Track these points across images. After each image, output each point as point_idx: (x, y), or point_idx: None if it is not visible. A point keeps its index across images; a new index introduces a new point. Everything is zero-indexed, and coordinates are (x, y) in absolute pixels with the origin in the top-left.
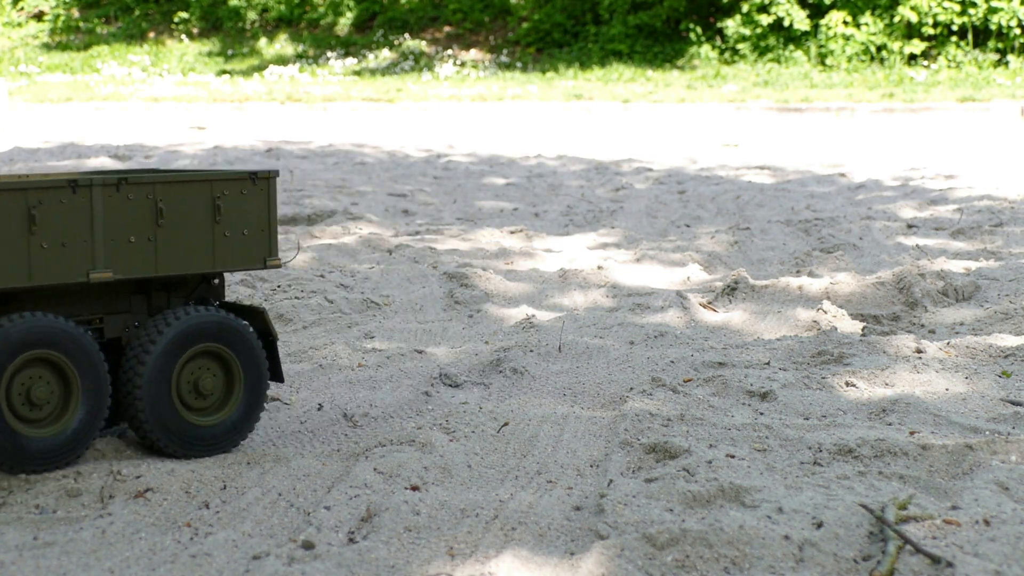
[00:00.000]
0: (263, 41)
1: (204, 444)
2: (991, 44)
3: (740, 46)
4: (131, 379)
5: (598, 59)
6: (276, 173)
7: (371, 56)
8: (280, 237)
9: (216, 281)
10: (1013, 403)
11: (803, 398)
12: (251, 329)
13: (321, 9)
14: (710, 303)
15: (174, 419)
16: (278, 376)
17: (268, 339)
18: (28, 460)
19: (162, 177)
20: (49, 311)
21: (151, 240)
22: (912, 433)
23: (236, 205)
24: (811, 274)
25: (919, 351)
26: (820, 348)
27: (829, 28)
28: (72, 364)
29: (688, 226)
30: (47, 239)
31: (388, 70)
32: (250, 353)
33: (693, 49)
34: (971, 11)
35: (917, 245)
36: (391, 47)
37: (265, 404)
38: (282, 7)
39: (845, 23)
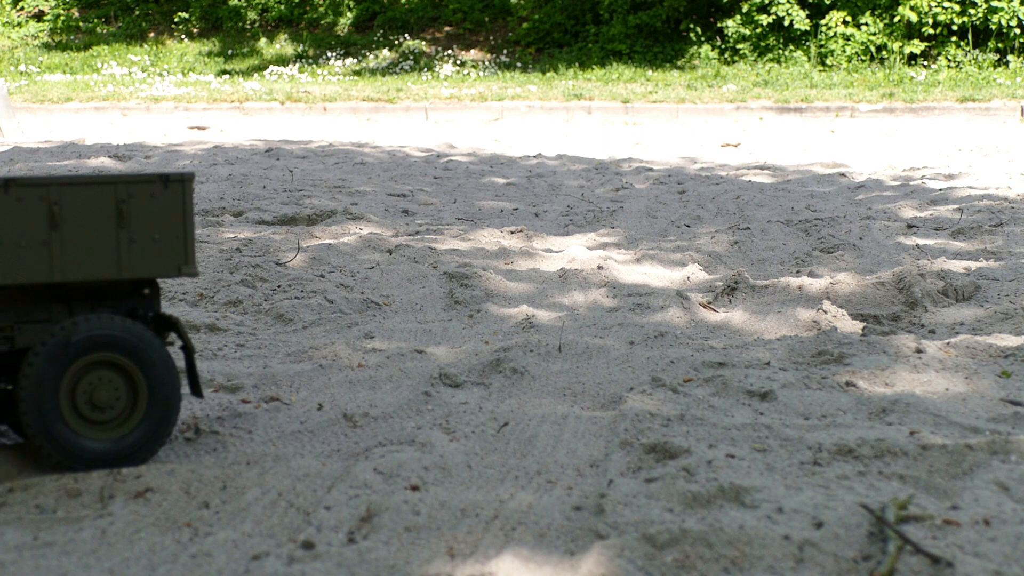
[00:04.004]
0: (263, 41)
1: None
2: (991, 44)
3: (740, 46)
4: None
5: (598, 59)
6: (191, 176)
7: (371, 56)
8: (280, 237)
9: (147, 291)
10: (1013, 403)
11: (803, 398)
12: (157, 339)
13: (321, 9)
14: (710, 303)
15: (62, 430)
16: (197, 391)
17: (186, 350)
18: None
19: (58, 179)
20: None
21: (45, 245)
22: (912, 433)
23: (145, 210)
24: (811, 274)
25: (919, 351)
26: (820, 348)
27: (829, 28)
28: None
29: (688, 226)
30: None
31: (388, 70)
32: (155, 366)
33: (693, 49)
34: (971, 11)
35: (917, 245)
36: (391, 47)
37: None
38: (282, 7)
39: (845, 23)
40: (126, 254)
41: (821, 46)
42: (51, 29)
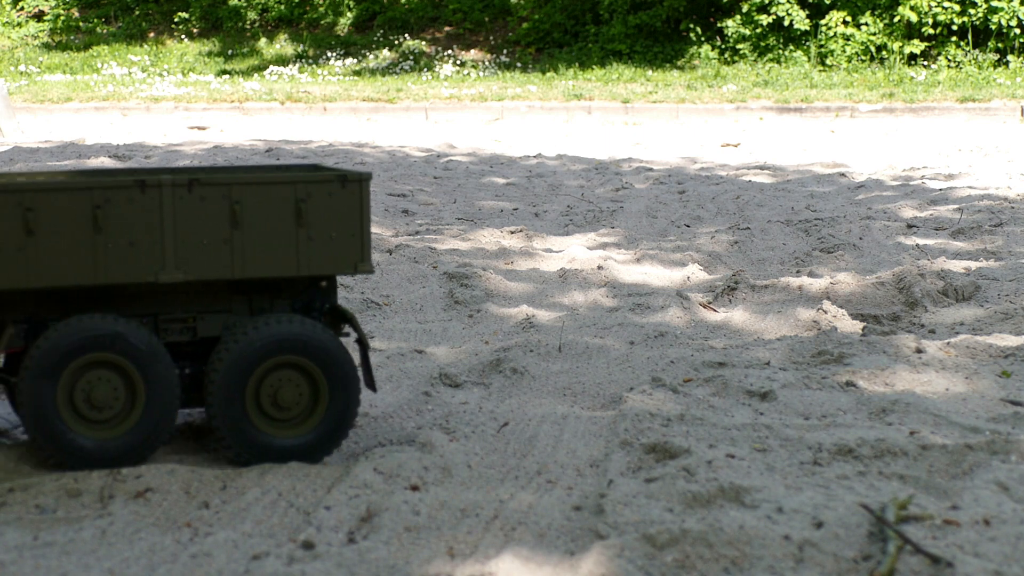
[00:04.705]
0: (263, 41)
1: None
2: (991, 44)
3: (740, 46)
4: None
5: (598, 59)
6: (369, 175)
7: (371, 56)
8: None
9: (324, 284)
10: (1013, 403)
11: (803, 398)
12: (336, 338)
13: (321, 9)
14: (710, 303)
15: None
16: (371, 385)
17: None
18: (83, 462)
19: (241, 178)
20: (135, 309)
21: (227, 243)
22: (912, 433)
23: (323, 208)
24: (811, 274)
25: (919, 351)
26: (820, 348)
27: (829, 28)
28: (134, 366)
29: (688, 226)
30: (113, 239)
31: (388, 70)
32: (335, 365)
33: (693, 49)
34: (971, 11)
35: (917, 245)
36: (391, 47)
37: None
38: (282, 7)
39: (845, 23)
40: (304, 252)
41: (821, 46)
42: (51, 29)
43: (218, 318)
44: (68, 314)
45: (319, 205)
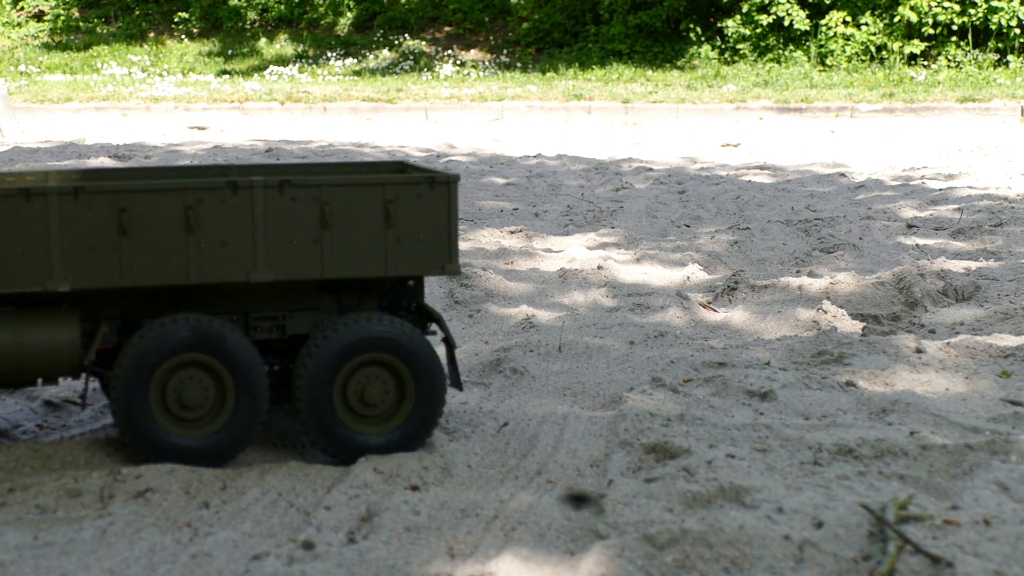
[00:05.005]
0: (263, 41)
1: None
2: (991, 44)
3: (740, 46)
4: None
5: (598, 59)
6: (457, 177)
7: (371, 56)
8: None
9: (411, 282)
10: (1013, 403)
11: (803, 398)
12: (422, 336)
13: (321, 9)
14: (710, 303)
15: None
16: (457, 384)
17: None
18: (171, 458)
19: (330, 179)
20: (222, 306)
21: (317, 243)
22: (912, 433)
23: (411, 210)
24: (811, 274)
25: (919, 351)
26: (820, 348)
27: (829, 28)
28: (224, 367)
29: (688, 226)
30: (205, 239)
31: (388, 70)
32: (421, 362)
33: (693, 49)
34: (971, 11)
35: (917, 245)
36: (391, 47)
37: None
38: (282, 7)
39: (845, 23)
40: (392, 253)
41: (821, 46)
42: (51, 29)
43: (307, 316)
44: (160, 313)
45: (407, 206)
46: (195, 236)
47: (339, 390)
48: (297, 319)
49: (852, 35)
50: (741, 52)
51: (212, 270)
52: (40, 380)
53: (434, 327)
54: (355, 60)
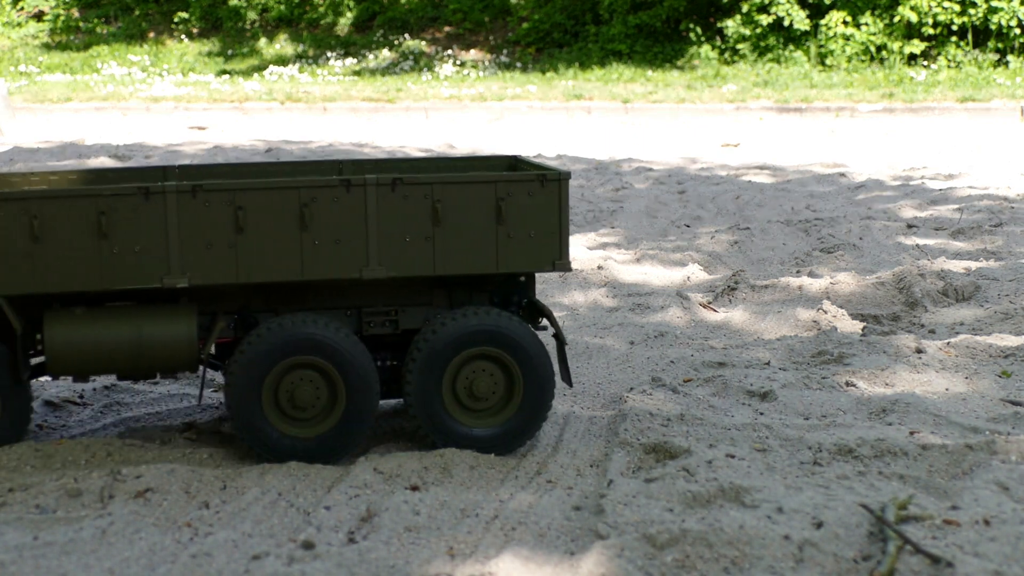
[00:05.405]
0: (263, 41)
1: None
2: (991, 44)
3: (740, 46)
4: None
5: (598, 59)
6: (568, 174)
7: (371, 56)
8: None
9: (522, 278)
10: (1013, 403)
11: (803, 398)
12: (532, 331)
13: (321, 9)
14: (710, 303)
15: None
16: (567, 379)
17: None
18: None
19: (442, 177)
20: (340, 303)
21: (428, 240)
22: (912, 433)
23: (523, 207)
24: (811, 274)
25: (919, 351)
26: (820, 348)
27: (829, 28)
28: (334, 367)
29: (688, 226)
30: (319, 236)
31: (388, 70)
32: (530, 357)
33: (693, 49)
34: (971, 11)
35: (917, 245)
36: (391, 47)
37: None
38: (282, 7)
39: (845, 23)
40: (503, 249)
41: (821, 46)
42: (51, 29)
43: (419, 311)
44: (275, 308)
45: (519, 203)
46: (309, 233)
47: (448, 383)
48: (409, 314)
49: (852, 35)
50: (741, 52)
51: (325, 267)
52: (158, 374)
53: (545, 323)
54: (355, 60)
